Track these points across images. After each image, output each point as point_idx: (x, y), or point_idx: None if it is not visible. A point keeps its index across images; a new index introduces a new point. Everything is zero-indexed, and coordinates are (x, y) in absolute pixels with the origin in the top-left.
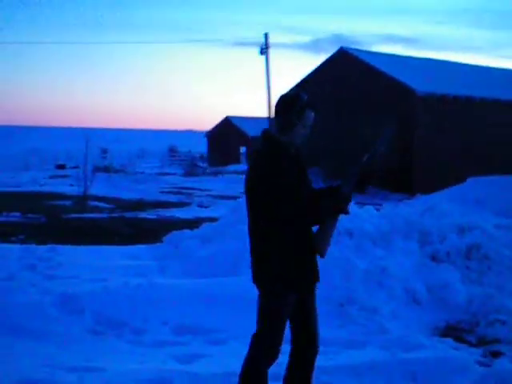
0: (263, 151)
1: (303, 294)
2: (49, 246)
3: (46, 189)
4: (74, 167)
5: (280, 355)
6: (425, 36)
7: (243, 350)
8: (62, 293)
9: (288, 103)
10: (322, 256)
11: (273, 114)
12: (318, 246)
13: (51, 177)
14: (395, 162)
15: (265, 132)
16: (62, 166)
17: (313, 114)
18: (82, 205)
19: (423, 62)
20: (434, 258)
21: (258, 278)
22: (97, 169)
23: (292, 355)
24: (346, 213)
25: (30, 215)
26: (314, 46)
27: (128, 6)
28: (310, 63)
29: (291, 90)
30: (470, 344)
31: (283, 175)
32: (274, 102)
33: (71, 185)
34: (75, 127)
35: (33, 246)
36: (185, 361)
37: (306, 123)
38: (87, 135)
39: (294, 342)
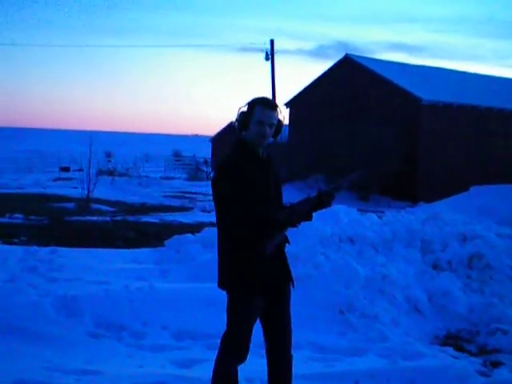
0: (226, 156)
1: (271, 297)
2: (50, 248)
3: (50, 191)
4: (79, 170)
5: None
6: (430, 44)
7: None
8: (63, 295)
9: (242, 109)
10: (265, 252)
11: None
12: (263, 242)
13: (55, 179)
14: (399, 169)
15: (236, 137)
16: (66, 169)
17: (261, 107)
18: (85, 207)
19: (428, 70)
20: (435, 267)
21: (221, 283)
22: (101, 172)
23: (268, 363)
24: (294, 226)
25: (32, 217)
26: (318, 52)
27: (133, 9)
28: (314, 70)
29: (296, 96)
30: (471, 353)
31: (236, 183)
32: (279, 108)
33: (75, 187)
34: (80, 130)
35: (34, 248)
36: (184, 365)
37: (257, 119)
38: (91, 138)
39: (267, 350)
